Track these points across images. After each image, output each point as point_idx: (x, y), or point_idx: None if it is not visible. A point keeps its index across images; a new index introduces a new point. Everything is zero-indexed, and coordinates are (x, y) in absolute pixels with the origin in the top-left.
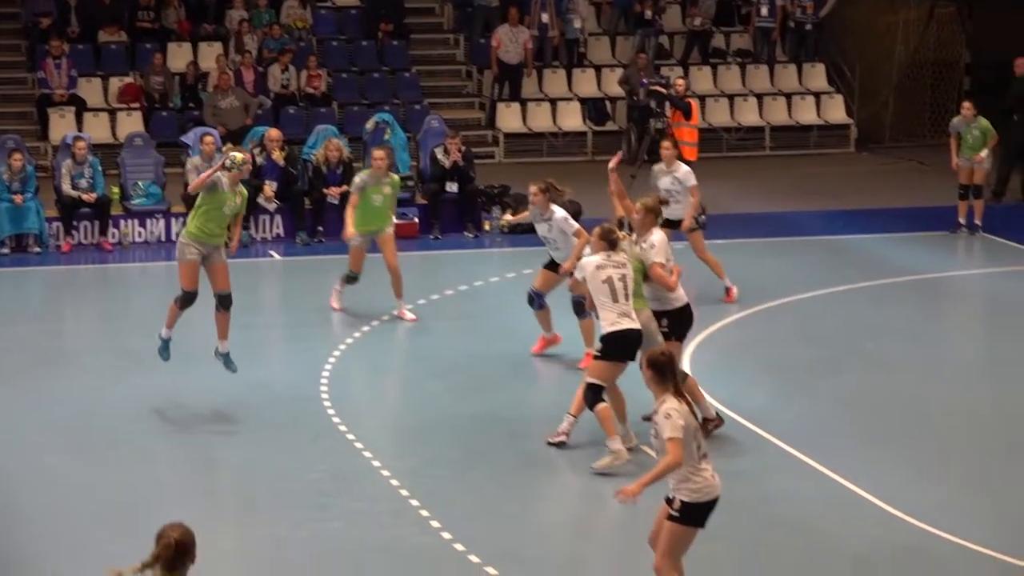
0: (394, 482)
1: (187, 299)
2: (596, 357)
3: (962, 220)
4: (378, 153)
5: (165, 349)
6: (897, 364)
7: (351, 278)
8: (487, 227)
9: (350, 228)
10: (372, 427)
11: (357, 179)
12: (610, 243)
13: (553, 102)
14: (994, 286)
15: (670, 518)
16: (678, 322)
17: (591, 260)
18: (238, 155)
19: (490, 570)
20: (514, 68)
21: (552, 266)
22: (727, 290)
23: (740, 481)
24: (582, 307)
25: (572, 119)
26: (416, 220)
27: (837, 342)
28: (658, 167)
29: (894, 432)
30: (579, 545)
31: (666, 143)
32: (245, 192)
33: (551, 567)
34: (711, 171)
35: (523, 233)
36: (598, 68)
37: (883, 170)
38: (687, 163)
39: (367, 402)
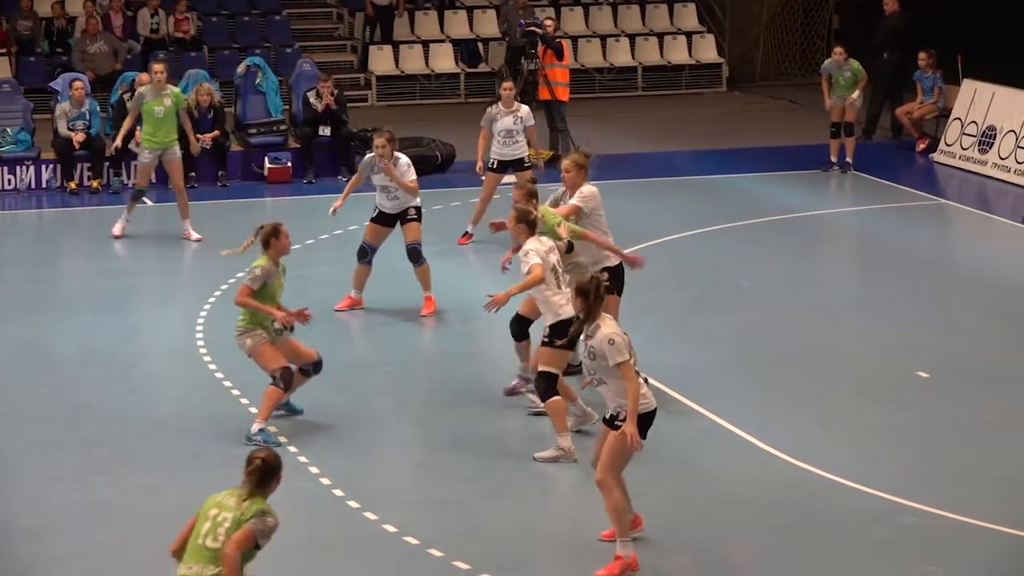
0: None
1: (288, 376)
2: (545, 344)
3: (834, 158)
4: (157, 66)
5: None
6: (770, 303)
7: (139, 194)
8: None
9: (119, 140)
10: (249, 375)
11: (137, 91)
12: (530, 225)
13: (426, 44)
14: (865, 224)
15: (614, 428)
16: (616, 277)
17: (540, 247)
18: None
19: (369, 515)
20: (385, 10)
21: (382, 218)
22: None
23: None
24: (419, 254)
25: (445, 61)
26: (289, 164)
27: (711, 282)
28: (496, 108)
29: (769, 371)
30: (455, 487)
31: (507, 84)
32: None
33: (430, 509)
34: (583, 112)
35: None
36: (470, 9)
37: (754, 109)
38: (559, 104)
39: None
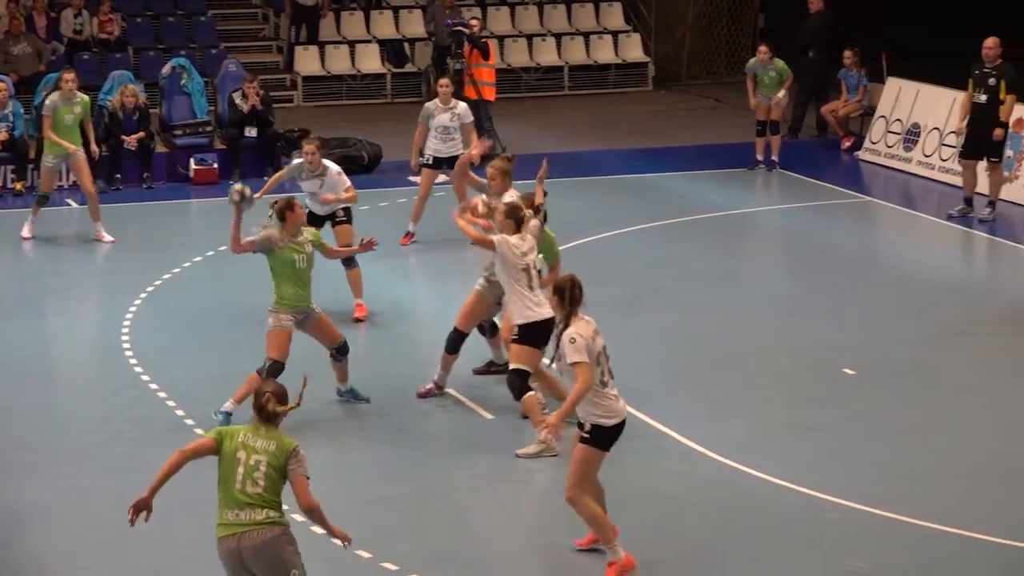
0: (199, 431)
1: (276, 370)
2: (515, 341)
3: (760, 157)
4: (68, 75)
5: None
6: (697, 301)
7: (43, 199)
8: None
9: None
10: (175, 376)
11: (48, 100)
12: (517, 221)
13: (352, 44)
14: (791, 222)
15: (581, 440)
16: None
17: (511, 239)
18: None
19: (297, 516)
20: (311, 10)
21: (311, 219)
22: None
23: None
24: (351, 258)
25: (371, 61)
26: (215, 166)
27: (638, 280)
28: (433, 104)
29: (695, 369)
30: (384, 487)
31: (443, 80)
32: (315, 234)
33: (359, 510)
34: (510, 111)
35: None
36: (396, 10)
37: (680, 108)
38: (486, 103)
39: (169, 351)
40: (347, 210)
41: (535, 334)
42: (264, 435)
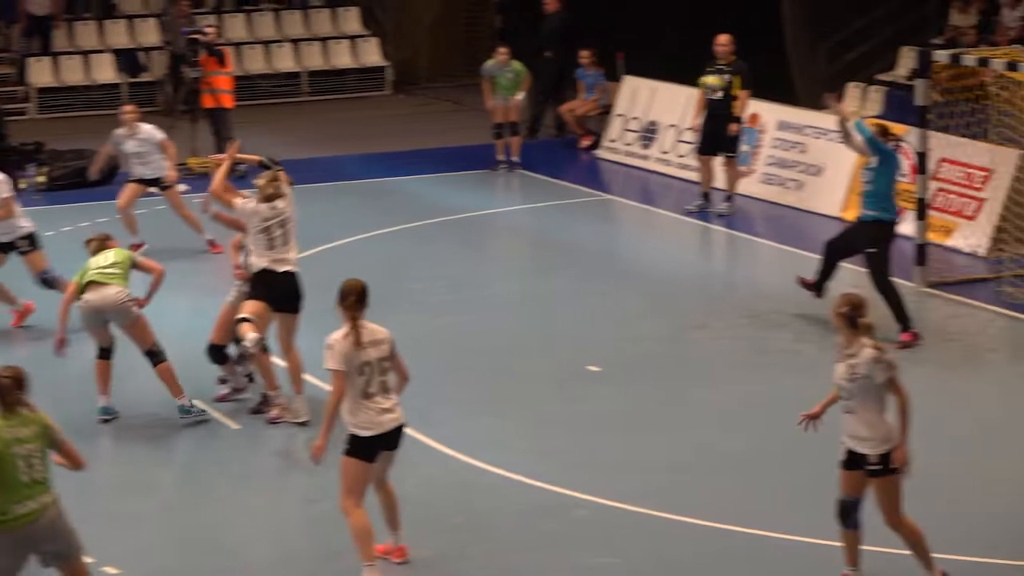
0: None
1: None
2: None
3: (501, 157)
4: None
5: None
6: (442, 303)
7: None
8: (22, 185)
9: None
10: None
11: None
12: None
13: (85, 54)
14: (533, 221)
15: (344, 451)
16: (278, 291)
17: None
18: None
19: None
20: (43, 20)
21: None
22: (210, 243)
23: (292, 429)
24: (52, 282)
25: (105, 71)
26: None
27: (384, 284)
28: (120, 131)
29: (442, 371)
30: (125, 503)
31: (127, 107)
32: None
33: (103, 526)
34: (249, 119)
35: (61, 190)
36: (130, 18)
37: (420, 112)
38: (224, 111)
39: None
40: (29, 237)
41: (256, 283)
42: (12, 420)
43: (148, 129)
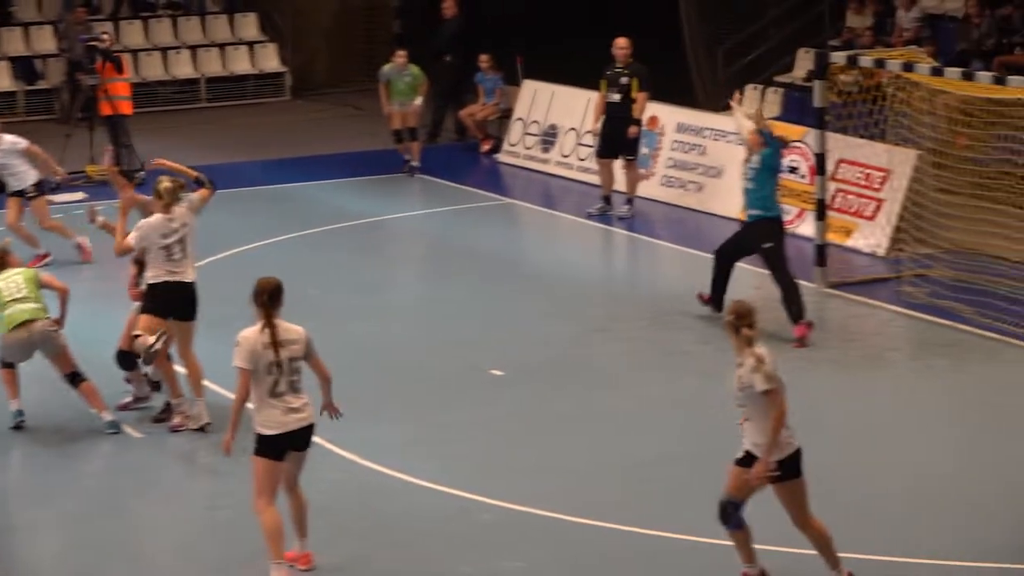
0: None
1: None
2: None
3: (407, 157)
4: None
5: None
6: (342, 309)
7: None
8: None
9: None
10: None
11: None
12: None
13: None
14: (434, 226)
15: (253, 451)
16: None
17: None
18: None
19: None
20: None
21: None
22: (80, 247)
23: (195, 437)
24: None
25: (1, 79)
26: None
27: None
28: None
29: (343, 377)
30: (27, 513)
31: None
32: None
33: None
34: (148, 126)
35: None
36: (26, 25)
37: (319, 117)
38: (122, 118)
39: None
40: None
41: (150, 296)
42: None
43: (10, 140)
